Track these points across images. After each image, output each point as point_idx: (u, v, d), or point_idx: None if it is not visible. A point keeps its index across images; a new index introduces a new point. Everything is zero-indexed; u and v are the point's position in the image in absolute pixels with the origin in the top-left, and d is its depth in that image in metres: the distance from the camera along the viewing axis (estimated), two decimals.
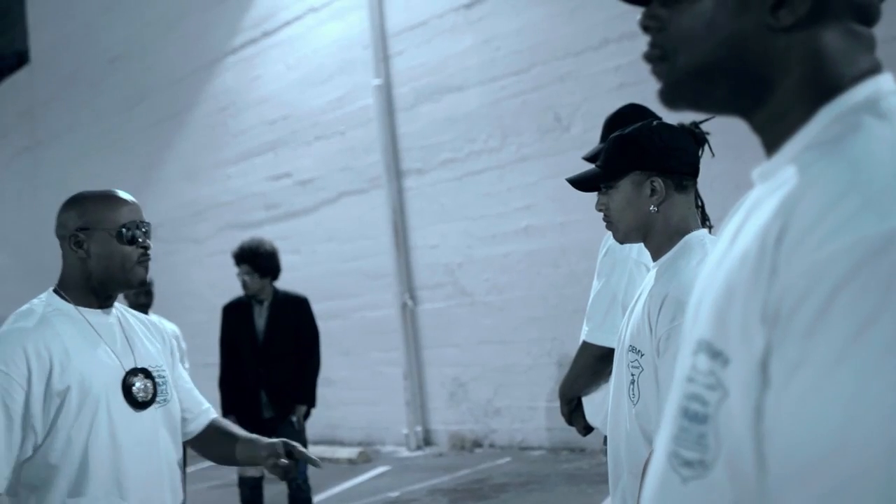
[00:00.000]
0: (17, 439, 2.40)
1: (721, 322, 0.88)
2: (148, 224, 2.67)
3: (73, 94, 15.89)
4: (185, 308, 11.90)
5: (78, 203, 2.64)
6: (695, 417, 0.92)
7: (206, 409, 2.94)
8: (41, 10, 17.07)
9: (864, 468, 0.71)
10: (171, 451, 2.69)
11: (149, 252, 2.66)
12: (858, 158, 0.81)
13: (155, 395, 2.62)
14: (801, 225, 0.80)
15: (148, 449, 2.58)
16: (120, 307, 2.76)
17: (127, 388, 2.56)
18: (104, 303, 2.66)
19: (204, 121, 13.16)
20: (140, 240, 2.62)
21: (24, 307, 2.59)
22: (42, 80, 16.95)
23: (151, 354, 2.69)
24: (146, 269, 2.67)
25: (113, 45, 14.84)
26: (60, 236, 2.64)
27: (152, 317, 3.09)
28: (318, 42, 11.42)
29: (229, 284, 7.75)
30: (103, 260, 2.60)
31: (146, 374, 2.61)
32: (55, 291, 2.64)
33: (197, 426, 2.89)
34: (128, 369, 2.58)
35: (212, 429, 2.92)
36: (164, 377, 2.67)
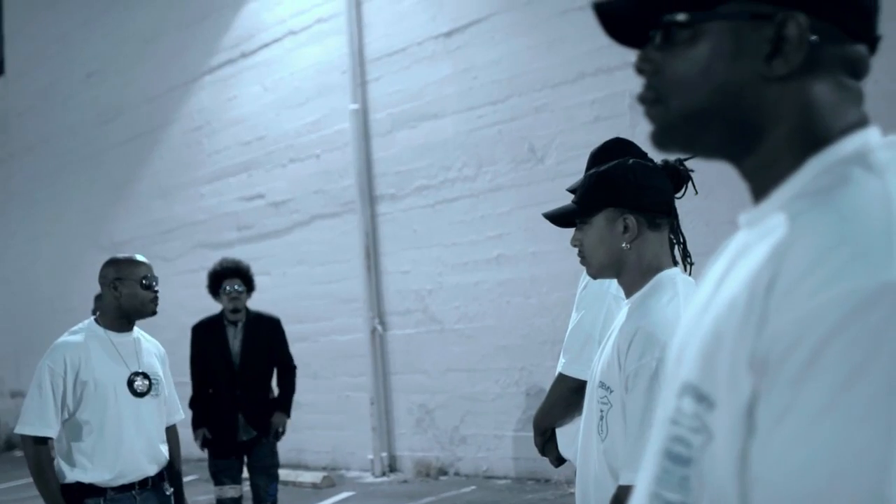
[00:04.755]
0: (60, 407, 3.87)
1: (708, 366, 0.88)
2: (156, 277, 4.07)
3: (48, 107, 15.78)
4: (153, 326, 11.68)
5: (115, 262, 4.08)
6: (678, 459, 0.92)
7: (176, 414, 4.38)
8: (18, 21, 16.96)
9: None
10: (161, 426, 4.14)
11: (157, 295, 4.05)
12: (849, 210, 0.82)
13: (149, 389, 4.06)
14: (792, 274, 0.80)
15: (145, 421, 4.02)
16: (138, 331, 4.19)
17: (130, 383, 4.00)
18: (126, 327, 4.09)
19: (178, 139, 13.11)
20: (152, 286, 4.03)
21: (74, 328, 4.05)
22: (17, 92, 16.82)
23: (152, 363, 4.14)
24: (156, 305, 4.08)
25: (89, 60, 14.77)
26: (102, 284, 4.04)
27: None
28: (296, 65, 11.42)
29: (199, 303, 7.70)
30: (131, 299, 4.01)
31: (145, 375, 4.07)
32: (95, 319, 4.06)
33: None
34: (132, 371, 4.02)
35: (168, 435, 4.28)
36: (157, 378, 4.12)
